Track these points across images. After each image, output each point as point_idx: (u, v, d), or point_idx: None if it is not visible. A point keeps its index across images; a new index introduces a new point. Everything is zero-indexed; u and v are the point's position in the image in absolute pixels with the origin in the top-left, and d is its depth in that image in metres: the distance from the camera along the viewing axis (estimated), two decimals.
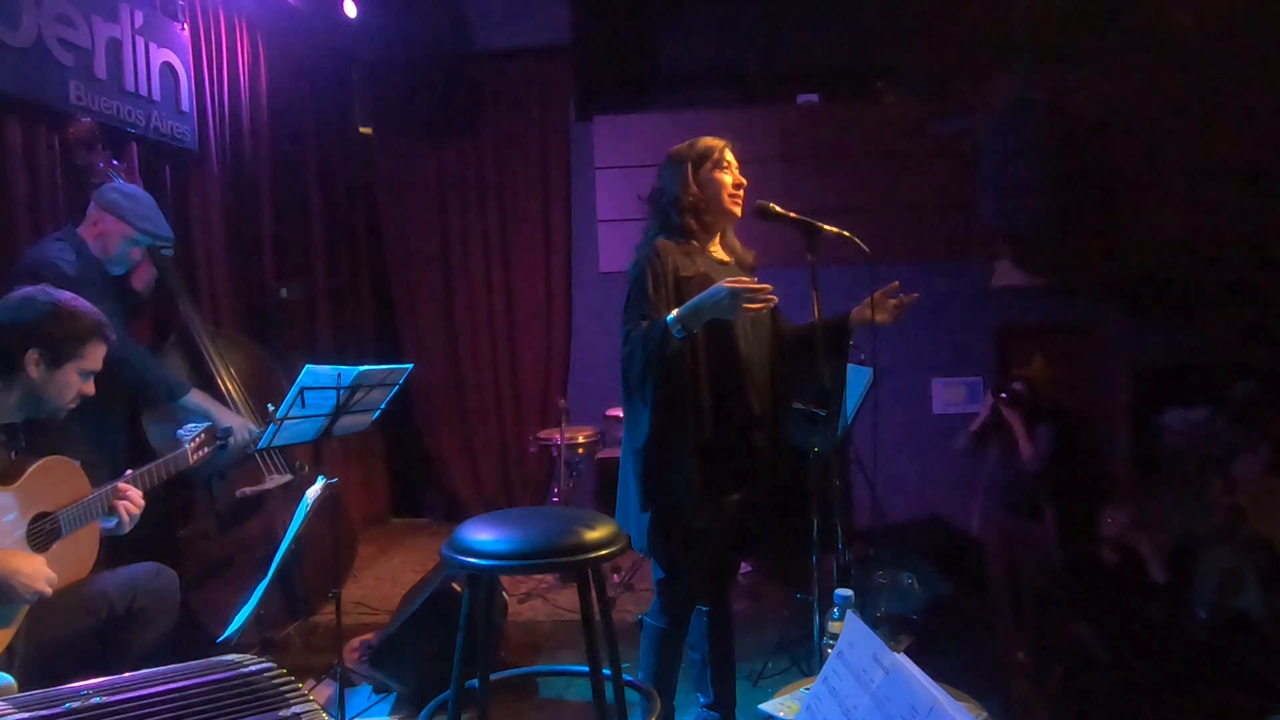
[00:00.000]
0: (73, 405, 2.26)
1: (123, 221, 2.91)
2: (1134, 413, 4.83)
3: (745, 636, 3.42)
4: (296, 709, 0.93)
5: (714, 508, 2.31)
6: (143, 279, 3.18)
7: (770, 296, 2.15)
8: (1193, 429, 3.62)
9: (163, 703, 0.90)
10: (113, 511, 2.26)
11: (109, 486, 2.26)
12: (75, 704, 0.87)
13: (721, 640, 2.58)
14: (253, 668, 0.99)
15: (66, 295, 2.24)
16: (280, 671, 0.98)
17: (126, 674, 0.96)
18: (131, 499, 2.28)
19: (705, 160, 2.40)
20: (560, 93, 5.55)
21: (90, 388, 2.28)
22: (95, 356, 2.26)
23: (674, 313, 2.18)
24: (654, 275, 2.28)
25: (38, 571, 2.04)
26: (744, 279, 2.18)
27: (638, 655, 2.50)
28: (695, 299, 2.18)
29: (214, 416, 2.96)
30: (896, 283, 2.42)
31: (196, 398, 3.00)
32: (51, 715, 0.87)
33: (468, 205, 5.68)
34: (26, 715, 0.85)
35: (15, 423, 2.22)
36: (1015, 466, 4.05)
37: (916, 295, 2.45)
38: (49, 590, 2.06)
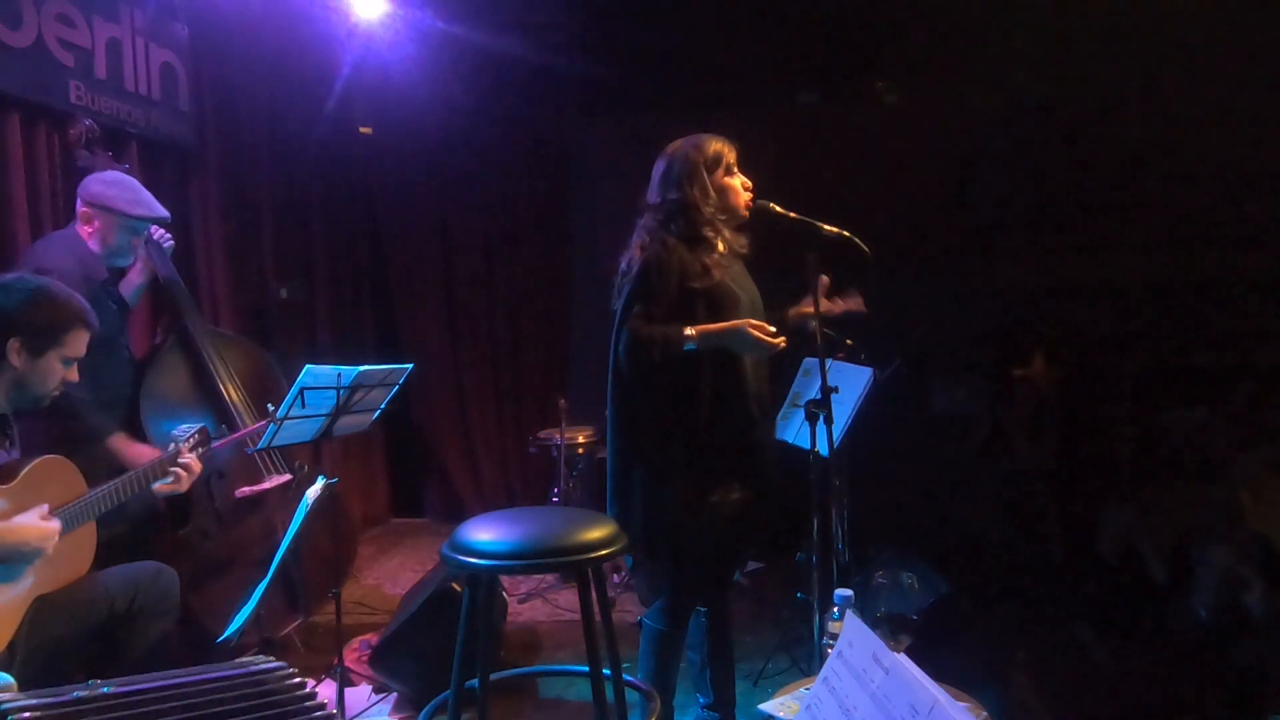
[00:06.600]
0: (56, 392, 2.24)
1: (112, 212, 2.81)
2: (1134, 413, 4.83)
3: (745, 636, 3.42)
4: (316, 715, 0.93)
5: (712, 509, 2.31)
6: (130, 286, 3.13)
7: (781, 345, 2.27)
8: (1193, 429, 3.62)
9: (168, 698, 0.90)
10: (170, 473, 2.34)
11: (167, 453, 2.37)
12: (82, 693, 0.88)
13: (720, 641, 2.57)
14: (261, 666, 0.99)
15: (45, 281, 2.21)
16: (292, 671, 0.97)
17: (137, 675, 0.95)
18: (190, 462, 2.38)
19: (718, 166, 2.38)
20: (560, 93, 5.55)
21: (74, 374, 2.26)
22: (78, 343, 2.23)
23: (692, 332, 2.23)
24: (662, 274, 2.27)
25: (36, 523, 2.05)
26: (767, 328, 2.24)
27: (638, 655, 2.50)
28: (719, 334, 2.24)
29: (127, 462, 2.65)
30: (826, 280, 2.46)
31: (118, 444, 2.72)
32: (59, 702, 0.88)
33: (468, 205, 5.68)
34: (34, 701, 0.85)
35: (5, 414, 2.21)
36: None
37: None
38: (58, 534, 2.07)
